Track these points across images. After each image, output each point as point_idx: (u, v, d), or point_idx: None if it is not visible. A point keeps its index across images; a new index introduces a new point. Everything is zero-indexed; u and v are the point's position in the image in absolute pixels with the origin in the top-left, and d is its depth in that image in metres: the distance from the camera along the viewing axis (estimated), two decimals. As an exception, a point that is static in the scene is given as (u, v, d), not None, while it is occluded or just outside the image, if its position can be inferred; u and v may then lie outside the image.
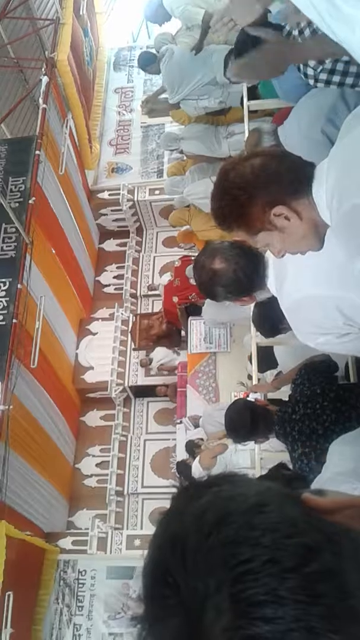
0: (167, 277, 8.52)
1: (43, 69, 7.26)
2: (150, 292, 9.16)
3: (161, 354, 8.22)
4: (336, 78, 2.27)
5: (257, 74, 2.07)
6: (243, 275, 1.86)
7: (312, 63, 2.28)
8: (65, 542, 6.90)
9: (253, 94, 4.05)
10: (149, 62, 5.79)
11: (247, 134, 3.62)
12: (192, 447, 5.74)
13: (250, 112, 4.01)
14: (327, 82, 2.30)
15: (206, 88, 5.30)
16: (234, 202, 1.40)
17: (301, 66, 2.35)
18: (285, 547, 0.52)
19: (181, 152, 6.41)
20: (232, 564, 0.51)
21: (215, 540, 0.54)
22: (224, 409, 2.78)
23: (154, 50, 5.95)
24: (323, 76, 2.25)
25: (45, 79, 7.13)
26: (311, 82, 2.36)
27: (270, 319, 2.91)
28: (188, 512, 0.59)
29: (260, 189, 1.36)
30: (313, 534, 0.56)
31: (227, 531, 0.54)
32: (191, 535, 0.55)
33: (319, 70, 2.26)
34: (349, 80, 2.27)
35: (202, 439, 5.87)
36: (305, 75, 2.35)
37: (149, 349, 8.43)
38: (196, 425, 6.13)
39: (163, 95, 6.41)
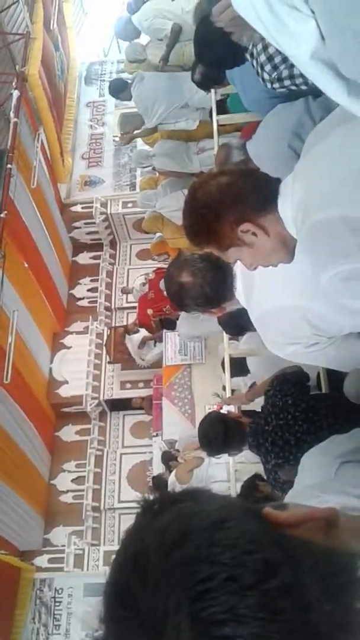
0: (140, 280, 8.50)
1: (14, 83, 7.25)
2: (122, 305, 9.14)
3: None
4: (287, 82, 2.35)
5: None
6: (209, 289, 1.88)
7: (267, 68, 2.35)
8: (42, 560, 6.80)
9: (222, 108, 4.10)
10: (121, 89, 5.81)
11: (217, 148, 3.67)
12: (168, 459, 5.72)
13: (219, 126, 4.06)
14: (280, 80, 2.39)
15: (181, 112, 5.36)
16: (202, 221, 1.43)
17: (259, 70, 2.41)
18: (244, 564, 0.52)
19: (153, 169, 6.45)
20: (191, 583, 0.51)
21: (175, 558, 0.53)
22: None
23: (124, 74, 5.98)
24: (279, 81, 2.34)
25: (16, 93, 7.11)
26: (268, 85, 2.42)
27: (237, 322, 2.95)
28: (150, 529, 0.58)
29: (226, 208, 1.40)
30: (273, 549, 0.56)
31: (188, 549, 0.53)
32: (152, 554, 0.55)
33: (273, 75, 2.32)
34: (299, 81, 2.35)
35: (178, 450, 5.87)
36: (263, 79, 2.42)
37: (124, 361, 8.38)
38: (172, 448, 6.12)
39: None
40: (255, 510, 0.63)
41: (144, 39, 6.11)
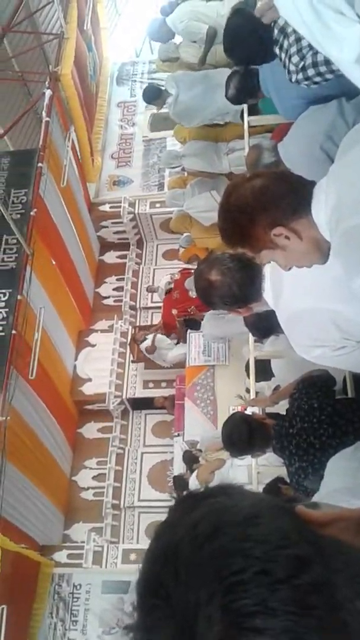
0: (166, 279, 8.53)
1: (47, 83, 7.34)
2: (147, 305, 9.17)
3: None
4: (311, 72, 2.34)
5: None
6: (237, 289, 1.89)
7: (294, 59, 2.34)
8: (61, 556, 6.84)
9: (253, 109, 4.09)
10: (155, 97, 5.80)
11: (247, 150, 3.65)
12: (190, 460, 5.72)
13: (250, 127, 4.04)
14: (307, 79, 2.37)
15: (219, 116, 5.38)
16: (235, 224, 1.46)
17: (286, 61, 2.40)
18: (276, 559, 0.53)
19: (183, 169, 6.46)
20: (223, 575, 0.52)
21: (207, 551, 0.54)
22: (220, 436, 2.79)
23: (157, 74, 5.97)
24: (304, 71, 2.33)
25: (48, 93, 7.21)
26: (293, 77, 2.41)
27: (264, 324, 2.94)
28: (182, 523, 0.59)
29: (259, 212, 1.41)
30: (305, 546, 0.56)
31: (220, 542, 0.54)
32: (184, 546, 0.56)
33: (300, 66, 2.31)
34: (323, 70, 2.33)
35: (200, 450, 5.86)
36: (289, 71, 2.42)
37: (147, 361, 8.41)
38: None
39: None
40: (288, 507, 0.63)
41: (176, 39, 6.12)
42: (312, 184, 1.45)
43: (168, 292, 8.08)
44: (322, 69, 2.34)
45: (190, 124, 5.54)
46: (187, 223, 6.56)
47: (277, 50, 2.54)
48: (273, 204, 1.40)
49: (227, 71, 4.97)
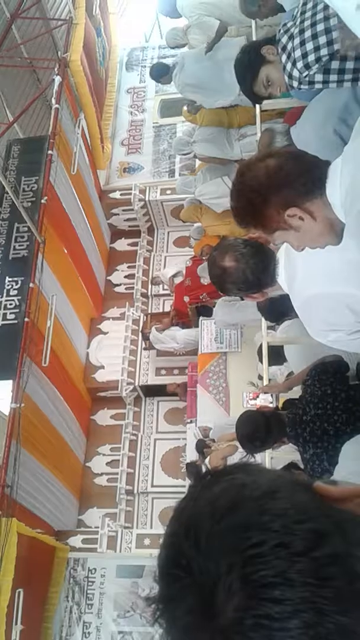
0: (171, 273, 8.53)
1: (56, 69, 7.30)
2: (156, 292, 9.17)
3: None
4: (319, 77, 2.29)
5: None
6: (251, 274, 1.88)
7: (299, 65, 2.30)
8: (76, 541, 6.93)
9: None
10: (163, 74, 5.78)
11: (259, 134, 3.62)
12: (202, 447, 5.74)
13: (261, 111, 4.00)
14: (311, 83, 2.33)
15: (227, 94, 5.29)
16: (249, 204, 1.44)
17: (288, 65, 2.36)
18: (294, 532, 0.54)
19: (194, 155, 6.41)
20: (243, 547, 0.53)
21: (227, 524, 0.56)
22: (234, 421, 2.77)
23: (167, 59, 5.91)
24: (307, 79, 2.29)
25: (58, 79, 7.17)
26: (295, 84, 2.37)
27: (277, 308, 2.93)
28: (203, 497, 0.61)
29: (273, 192, 1.39)
30: (322, 520, 0.57)
31: (239, 516, 0.56)
32: (205, 520, 0.57)
33: (304, 74, 2.27)
34: (333, 77, 2.29)
35: (212, 440, 5.87)
36: (290, 76, 2.37)
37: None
38: (206, 436, 6.13)
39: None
40: (306, 483, 0.65)
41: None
42: (327, 164, 1.43)
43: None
44: (332, 77, 2.31)
45: (213, 96, 5.41)
46: (198, 213, 6.53)
47: (279, 49, 2.49)
48: (287, 183, 1.38)
49: (235, 42, 4.91)
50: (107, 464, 8.14)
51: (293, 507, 0.57)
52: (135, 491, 7.85)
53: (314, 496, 0.63)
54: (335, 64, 2.27)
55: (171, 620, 0.57)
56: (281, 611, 0.51)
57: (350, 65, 2.28)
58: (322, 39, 2.25)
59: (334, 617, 0.51)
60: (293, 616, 0.51)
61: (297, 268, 1.76)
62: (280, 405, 3.30)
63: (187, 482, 6.81)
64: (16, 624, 5.30)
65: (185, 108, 6.33)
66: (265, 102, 3.95)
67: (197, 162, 7.16)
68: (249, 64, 2.72)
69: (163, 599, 0.58)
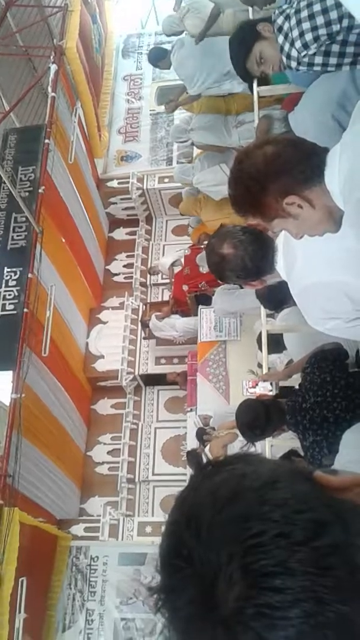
0: (168, 263, 8.51)
1: (52, 57, 7.23)
2: (155, 281, 9.17)
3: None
4: (318, 59, 2.28)
5: None
6: (250, 262, 1.86)
7: (297, 45, 2.28)
8: (78, 529, 6.98)
9: (263, 79, 3.99)
10: (160, 57, 5.72)
11: (257, 121, 3.59)
12: (203, 436, 5.76)
13: (259, 98, 3.96)
14: (310, 65, 2.32)
15: (225, 77, 5.23)
16: (247, 192, 1.43)
17: (286, 46, 2.34)
18: (294, 522, 0.55)
19: (191, 143, 6.36)
20: (243, 537, 0.54)
21: (227, 514, 0.56)
22: (234, 410, 2.78)
23: (164, 45, 5.85)
24: (306, 59, 2.28)
25: (54, 67, 7.10)
26: (293, 64, 2.35)
27: (276, 296, 2.92)
28: (203, 488, 0.61)
29: (271, 180, 1.38)
30: (322, 510, 0.58)
31: (240, 506, 0.56)
32: (205, 510, 0.58)
33: (303, 54, 2.26)
34: (332, 60, 2.28)
35: (213, 428, 5.89)
36: (289, 56, 2.35)
37: (158, 337, 8.43)
38: (206, 425, 6.14)
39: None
40: (306, 473, 0.65)
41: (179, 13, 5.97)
42: (326, 150, 1.42)
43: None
44: (332, 60, 2.30)
45: (195, 82, 5.36)
46: (197, 206, 6.48)
47: (275, 32, 2.48)
48: (285, 171, 1.36)
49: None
50: (108, 452, 8.17)
51: (293, 497, 0.57)
52: (137, 479, 7.89)
53: (315, 486, 0.63)
54: (336, 47, 2.26)
55: (173, 611, 0.57)
56: (282, 600, 0.51)
57: (350, 49, 2.27)
58: (320, 19, 2.24)
59: (335, 606, 0.52)
60: (294, 605, 0.51)
61: (296, 256, 1.75)
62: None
63: (188, 470, 6.84)
64: (19, 612, 5.35)
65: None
66: (262, 88, 3.93)
67: (195, 150, 7.10)
68: (243, 39, 2.69)
69: (164, 589, 0.58)
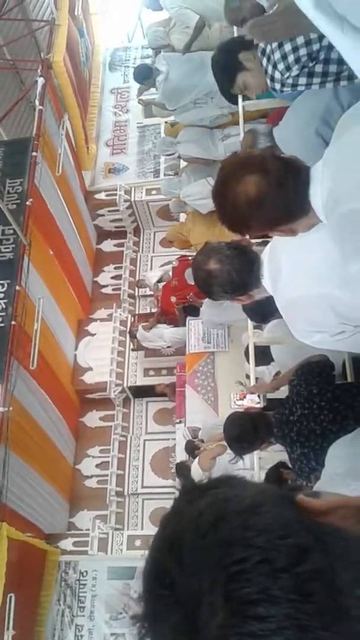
0: (157, 276, 8.52)
1: (39, 70, 7.26)
2: (143, 293, 9.16)
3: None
4: (302, 80, 2.32)
5: (274, 35, 2.10)
6: (237, 276, 1.88)
7: (280, 67, 2.31)
8: (66, 543, 6.91)
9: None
10: (146, 76, 5.74)
11: (242, 135, 3.62)
12: (192, 448, 5.75)
13: (245, 112, 4.00)
14: (294, 86, 2.35)
15: (204, 97, 5.28)
16: (233, 227, 1.51)
17: (269, 68, 2.37)
18: (277, 548, 0.54)
19: (178, 156, 6.40)
20: (226, 564, 0.53)
21: (210, 540, 0.55)
22: (223, 422, 2.78)
23: (148, 60, 5.89)
24: (290, 81, 2.31)
25: (41, 80, 7.13)
26: (277, 86, 2.39)
27: (262, 309, 2.94)
28: (186, 513, 0.60)
29: (255, 221, 1.45)
30: (305, 535, 0.57)
31: (223, 532, 0.56)
32: (188, 535, 0.57)
33: (286, 76, 2.29)
34: (316, 80, 2.32)
35: (202, 440, 5.88)
36: (272, 79, 2.39)
37: (147, 349, 8.42)
38: (195, 437, 6.13)
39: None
40: (289, 497, 0.64)
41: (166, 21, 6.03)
42: (308, 170, 1.44)
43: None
44: (316, 80, 2.34)
45: (177, 104, 5.43)
46: (184, 230, 6.51)
47: (259, 54, 2.52)
48: (270, 216, 1.42)
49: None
50: (97, 465, 8.12)
51: (276, 522, 0.57)
52: (126, 492, 7.84)
53: (297, 510, 0.62)
54: (319, 68, 2.29)
55: (157, 638, 0.57)
56: (264, 629, 0.50)
57: (333, 68, 2.31)
58: (300, 39, 2.27)
59: (316, 632, 0.51)
60: (276, 633, 0.50)
61: (281, 270, 1.77)
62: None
63: (177, 482, 6.81)
64: (8, 629, 5.28)
65: (166, 122, 6.35)
66: (247, 102, 3.97)
67: (182, 163, 7.15)
68: (227, 67, 2.74)
69: (148, 617, 0.58)
